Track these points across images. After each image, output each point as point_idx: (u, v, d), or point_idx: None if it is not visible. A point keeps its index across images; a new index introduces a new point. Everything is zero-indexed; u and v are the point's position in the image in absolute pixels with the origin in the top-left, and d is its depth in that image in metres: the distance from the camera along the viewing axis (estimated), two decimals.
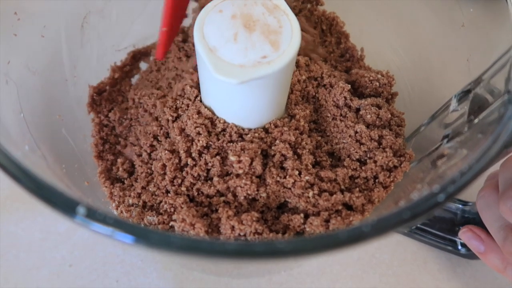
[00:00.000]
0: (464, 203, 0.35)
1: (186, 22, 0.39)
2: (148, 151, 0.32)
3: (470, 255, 0.34)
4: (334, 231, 0.23)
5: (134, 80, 0.39)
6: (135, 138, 0.35)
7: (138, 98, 0.35)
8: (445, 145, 0.24)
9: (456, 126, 0.24)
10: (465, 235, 0.32)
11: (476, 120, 0.22)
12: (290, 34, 0.25)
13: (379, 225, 0.15)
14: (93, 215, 0.15)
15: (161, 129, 0.32)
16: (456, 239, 0.35)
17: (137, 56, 0.40)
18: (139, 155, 0.33)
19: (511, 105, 0.19)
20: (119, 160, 0.33)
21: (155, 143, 0.32)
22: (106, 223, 0.15)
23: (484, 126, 0.21)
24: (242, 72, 0.24)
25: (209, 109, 0.29)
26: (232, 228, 0.26)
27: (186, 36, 0.38)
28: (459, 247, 0.35)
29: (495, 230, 0.28)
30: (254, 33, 0.25)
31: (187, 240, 0.14)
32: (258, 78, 0.24)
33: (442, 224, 0.35)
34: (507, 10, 0.23)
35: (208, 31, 0.25)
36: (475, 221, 0.34)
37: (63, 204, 0.15)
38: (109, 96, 0.37)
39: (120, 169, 0.33)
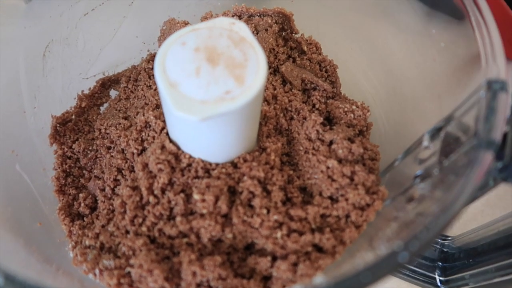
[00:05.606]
0: (444, 237, 0.34)
1: (156, 49, 0.38)
2: (112, 186, 0.31)
3: None
4: None
5: (103, 109, 0.38)
6: (100, 171, 0.33)
7: (104, 128, 0.34)
8: (417, 185, 0.23)
9: (429, 166, 0.23)
10: None
11: (446, 163, 0.20)
12: (256, 68, 0.24)
13: None
14: (12, 280, 0.13)
15: (126, 162, 0.31)
16: (436, 276, 0.33)
17: (107, 83, 0.38)
18: (102, 190, 0.31)
19: (481, 149, 0.18)
20: (81, 195, 0.32)
21: (119, 177, 0.31)
22: None
23: (456, 168, 0.20)
24: (203, 108, 0.22)
25: (175, 144, 0.28)
26: (194, 273, 0.24)
27: None
28: (439, 284, 0.34)
29: None
30: (217, 68, 0.23)
31: None
32: (221, 115, 0.22)
33: (421, 260, 0.34)
34: (476, 45, 0.22)
35: (170, 65, 0.24)
36: (455, 257, 0.33)
37: None
38: (74, 126, 0.35)
39: (82, 204, 0.31)
